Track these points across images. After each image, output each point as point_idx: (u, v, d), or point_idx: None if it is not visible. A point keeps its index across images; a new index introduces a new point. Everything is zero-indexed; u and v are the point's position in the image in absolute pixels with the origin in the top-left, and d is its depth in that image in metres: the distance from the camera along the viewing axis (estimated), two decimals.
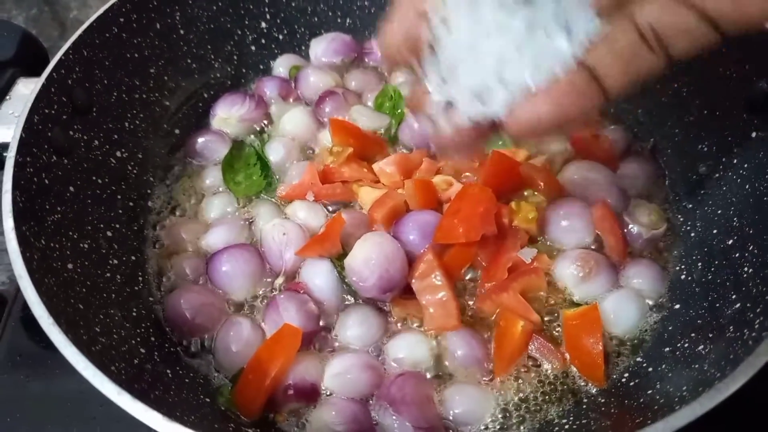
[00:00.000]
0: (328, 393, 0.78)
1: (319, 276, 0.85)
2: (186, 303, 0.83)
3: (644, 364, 0.78)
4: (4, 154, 0.78)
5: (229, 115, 1.04)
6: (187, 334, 0.83)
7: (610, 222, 0.88)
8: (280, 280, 0.87)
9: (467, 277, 0.88)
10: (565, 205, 0.90)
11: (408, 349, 0.79)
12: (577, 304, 0.84)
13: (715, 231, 0.85)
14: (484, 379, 0.79)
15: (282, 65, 1.13)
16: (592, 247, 0.89)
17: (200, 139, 1.02)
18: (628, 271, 0.86)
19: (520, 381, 0.79)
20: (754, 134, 0.83)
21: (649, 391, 0.72)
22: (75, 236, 0.80)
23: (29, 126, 0.78)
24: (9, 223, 0.69)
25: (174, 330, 0.84)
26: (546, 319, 0.84)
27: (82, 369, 0.59)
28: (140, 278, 0.88)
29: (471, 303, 0.85)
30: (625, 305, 0.82)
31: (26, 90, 0.88)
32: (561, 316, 0.83)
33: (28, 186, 0.75)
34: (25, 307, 0.94)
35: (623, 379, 0.78)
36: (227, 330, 0.82)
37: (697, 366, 0.70)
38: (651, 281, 0.85)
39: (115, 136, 0.93)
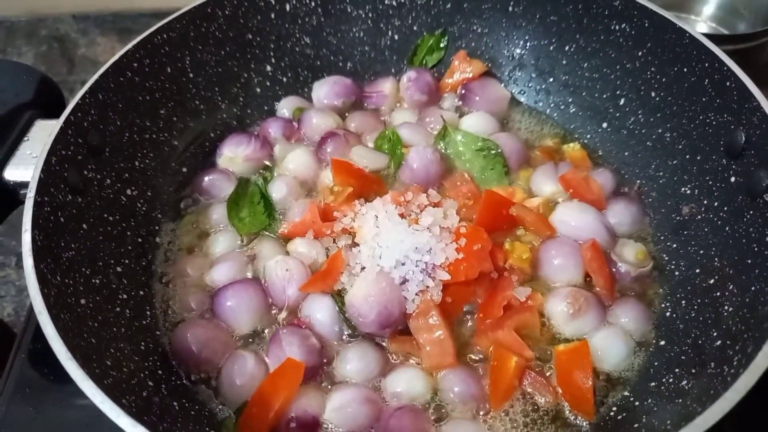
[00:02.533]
0: (328, 426, 0.81)
1: (320, 311, 0.88)
2: (192, 337, 0.86)
3: (631, 399, 0.81)
4: (23, 192, 0.82)
5: (235, 154, 1.08)
6: (193, 368, 0.86)
7: (598, 262, 0.92)
8: (283, 315, 0.91)
9: (464, 309, 0.91)
10: (556, 245, 0.95)
11: (406, 384, 0.83)
12: (568, 340, 0.88)
13: (697, 270, 0.89)
14: (480, 413, 0.82)
15: (286, 107, 1.18)
16: (582, 284, 0.93)
17: (207, 177, 1.06)
18: (615, 310, 0.90)
19: (514, 415, 0.82)
20: (732, 179, 0.88)
21: (636, 425, 0.75)
22: (87, 272, 0.84)
23: (47, 167, 0.82)
24: (29, 262, 0.72)
25: (180, 364, 0.87)
26: (537, 354, 0.87)
27: (99, 403, 0.62)
28: (148, 312, 0.92)
29: (467, 335, 0.89)
30: (613, 342, 0.86)
31: (44, 131, 0.92)
32: (552, 352, 0.87)
33: (46, 225, 0.79)
34: (34, 340, 0.97)
35: (611, 413, 0.81)
36: (232, 364, 0.85)
37: (680, 401, 0.74)
38: (637, 320, 0.89)
39: (126, 175, 0.97)
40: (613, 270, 0.94)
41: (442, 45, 1.22)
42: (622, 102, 1.09)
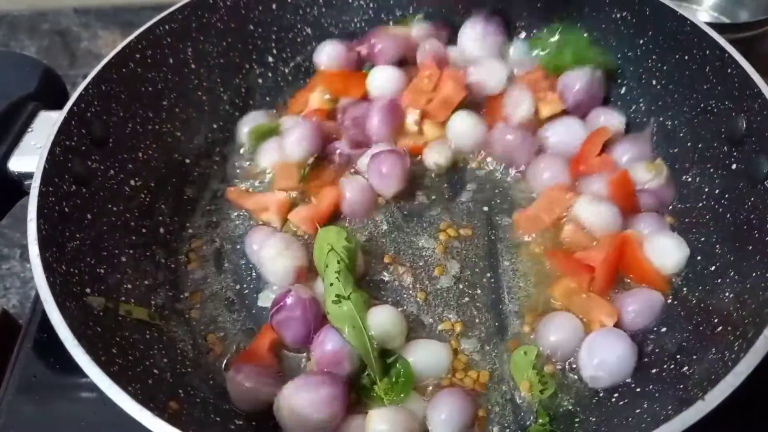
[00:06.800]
0: None
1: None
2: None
3: (632, 384, 0.82)
4: (27, 182, 0.82)
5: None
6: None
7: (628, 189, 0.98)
8: None
9: None
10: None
11: None
12: None
13: (699, 258, 0.90)
14: None
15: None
16: None
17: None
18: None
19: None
20: (734, 166, 0.88)
21: (637, 410, 0.76)
22: (92, 262, 0.84)
23: (52, 157, 0.83)
24: (34, 250, 0.73)
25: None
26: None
27: (105, 388, 0.63)
28: (152, 302, 0.92)
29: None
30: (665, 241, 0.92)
31: (47, 122, 0.92)
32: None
33: (51, 214, 0.80)
34: (39, 330, 0.98)
35: (612, 399, 0.82)
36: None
37: (681, 386, 0.74)
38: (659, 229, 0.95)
39: (130, 166, 0.98)
40: None
41: None
42: (623, 91, 1.09)
